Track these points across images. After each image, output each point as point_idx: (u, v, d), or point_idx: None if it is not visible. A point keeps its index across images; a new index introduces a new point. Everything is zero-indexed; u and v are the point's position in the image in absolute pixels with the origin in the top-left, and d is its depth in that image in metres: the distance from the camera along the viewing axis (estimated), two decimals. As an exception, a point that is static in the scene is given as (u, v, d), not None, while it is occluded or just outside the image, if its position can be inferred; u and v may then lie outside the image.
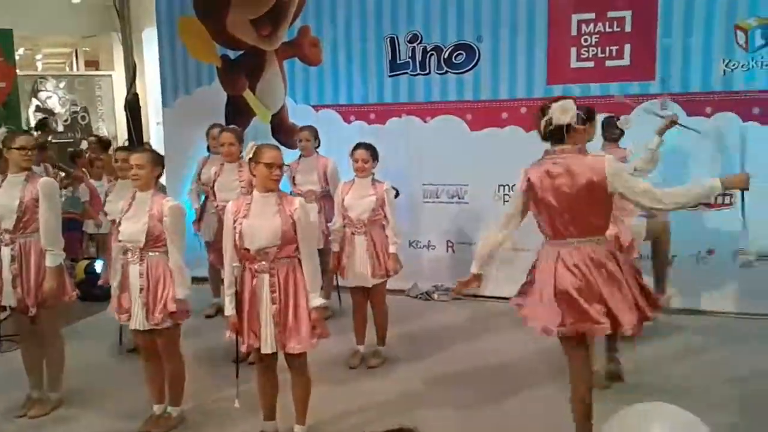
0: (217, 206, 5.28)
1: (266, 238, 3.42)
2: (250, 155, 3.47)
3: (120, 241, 3.82)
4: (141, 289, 3.73)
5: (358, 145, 4.81)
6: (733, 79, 5.58)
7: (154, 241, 3.72)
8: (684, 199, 3.06)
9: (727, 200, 5.67)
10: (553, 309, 3.11)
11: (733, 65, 5.55)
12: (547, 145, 3.20)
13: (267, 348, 3.50)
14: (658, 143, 4.74)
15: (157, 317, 3.73)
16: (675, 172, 5.49)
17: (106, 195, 5.10)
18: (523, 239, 6.03)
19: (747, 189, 3.11)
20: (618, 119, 4.99)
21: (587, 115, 3.43)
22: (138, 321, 3.78)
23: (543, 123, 3.13)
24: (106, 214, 5.06)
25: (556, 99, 3.19)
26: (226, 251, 3.55)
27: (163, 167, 3.95)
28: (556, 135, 3.12)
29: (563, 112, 3.07)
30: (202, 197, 6.03)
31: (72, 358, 4.54)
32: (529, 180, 3.18)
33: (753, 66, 5.51)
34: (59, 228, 4.07)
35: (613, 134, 5.02)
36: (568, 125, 3.07)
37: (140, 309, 3.75)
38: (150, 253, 3.74)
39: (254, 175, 3.53)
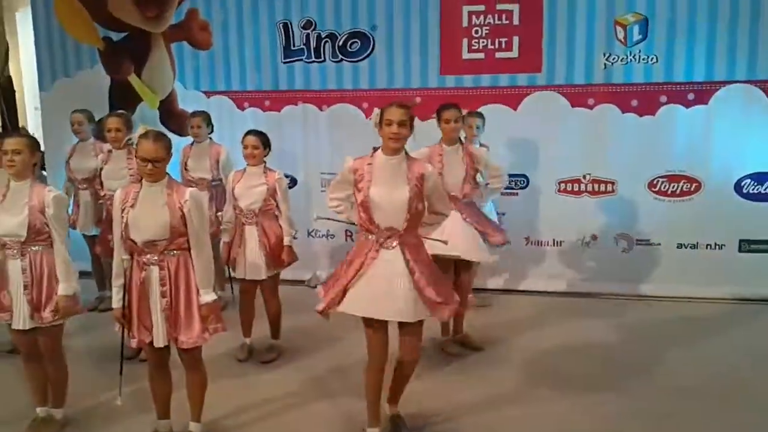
0: (104, 195, 5.02)
1: (153, 231, 3.27)
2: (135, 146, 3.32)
3: None
4: (25, 287, 3.49)
5: (249, 132, 4.67)
6: (613, 73, 5.87)
7: (36, 234, 3.48)
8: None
9: (609, 188, 6.01)
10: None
11: (613, 59, 5.85)
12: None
13: (159, 342, 3.36)
14: None
15: (46, 315, 3.51)
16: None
17: None
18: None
19: None
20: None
21: None
22: (21, 320, 3.53)
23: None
24: None
25: None
26: (115, 242, 3.39)
27: (41, 154, 3.69)
28: None
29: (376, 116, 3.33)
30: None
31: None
32: None
33: (631, 60, 5.82)
34: None
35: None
36: None
37: (24, 307, 3.51)
38: (32, 247, 3.51)
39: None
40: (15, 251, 3.50)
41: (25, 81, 9.28)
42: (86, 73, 6.87)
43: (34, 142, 3.62)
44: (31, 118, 9.40)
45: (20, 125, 8.14)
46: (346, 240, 6.57)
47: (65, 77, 6.96)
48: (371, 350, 3.46)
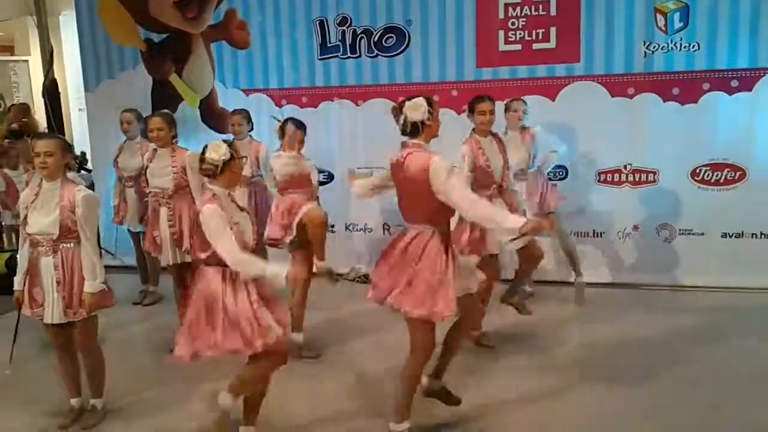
0: (150, 192, 5.14)
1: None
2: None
3: (29, 233, 3.64)
4: (57, 283, 3.60)
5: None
6: (654, 61, 5.78)
7: (67, 232, 3.59)
8: (485, 213, 3.25)
9: (651, 178, 5.93)
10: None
11: (654, 47, 5.76)
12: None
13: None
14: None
15: (78, 310, 3.62)
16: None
17: (26, 184, 4.90)
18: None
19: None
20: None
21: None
22: (54, 315, 3.64)
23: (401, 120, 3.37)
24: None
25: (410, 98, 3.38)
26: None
27: (73, 155, 3.81)
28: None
29: (415, 110, 3.30)
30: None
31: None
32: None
33: (672, 48, 5.73)
34: None
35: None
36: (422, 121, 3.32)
37: (57, 303, 3.62)
38: (64, 245, 3.61)
39: None
40: (47, 248, 3.60)
41: (68, 83, 9.55)
42: (129, 74, 7.04)
43: (65, 144, 3.72)
44: (75, 120, 9.68)
45: (65, 127, 8.35)
46: (383, 233, 6.61)
47: (109, 78, 7.14)
48: (430, 345, 3.44)
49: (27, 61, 10.40)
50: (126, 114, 5.91)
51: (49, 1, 8.38)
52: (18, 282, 3.72)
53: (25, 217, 3.64)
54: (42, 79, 8.37)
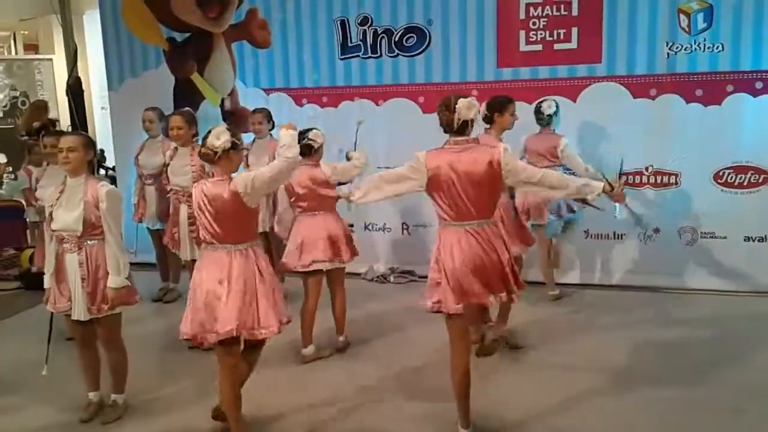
0: (170, 190, 5.20)
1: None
2: None
3: (54, 230, 3.67)
4: (83, 279, 3.64)
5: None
6: (677, 62, 5.73)
7: (91, 228, 3.62)
8: (558, 182, 3.40)
9: (673, 180, 5.88)
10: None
11: (677, 48, 5.70)
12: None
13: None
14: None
15: (102, 307, 3.66)
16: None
17: (37, 181, 4.96)
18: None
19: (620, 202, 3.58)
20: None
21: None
22: (79, 311, 3.68)
23: (455, 118, 3.37)
24: (37, 200, 4.95)
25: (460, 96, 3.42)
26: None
27: (95, 152, 3.86)
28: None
29: (469, 109, 3.35)
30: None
31: (16, 348, 4.40)
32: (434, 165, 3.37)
33: (695, 49, 5.67)
34: None
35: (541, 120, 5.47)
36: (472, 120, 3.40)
37: (82, 299, 3.65)
38: (88, 242, 3.64)
39: None
40: (72, 245, 3.64)
41: (91, 82, 9.64)
42: (152, 73, 7.11)
43: (88, 141, 3.77)
44: (98, 119, 9.78)
45: (88, 125, 8.44)
46: (402, 233, 6.61)
47: (132, 77, 7.20)
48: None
49: (51, 59, 10.51)
50: (148, 113, 5.97)
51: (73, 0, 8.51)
52: (47, 281, 3.77)
53: (50, 214, 3.68)
54: (66, 77, 8.49)
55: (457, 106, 3.34)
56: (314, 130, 4.52)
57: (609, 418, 3.79)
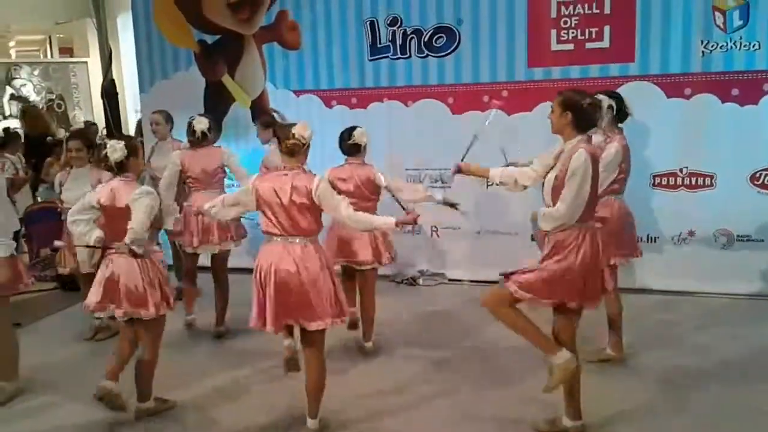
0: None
1: None
2: None
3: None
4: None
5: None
6: (712, 61, 5.61)
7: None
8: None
9: (708, 182, 5.76)
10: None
11: (712, 46, 5.58)
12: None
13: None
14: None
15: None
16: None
17: (61, 185, 5.03)
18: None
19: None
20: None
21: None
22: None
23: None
24: (62, 203, 5.01)
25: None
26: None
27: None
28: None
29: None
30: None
31: (52, 348, 4.45)
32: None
33: (731, 47, 5.54)
34: None
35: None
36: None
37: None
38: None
39: None
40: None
41: (126, 84, 9.80)
42: (183, 75, 7.17)
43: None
44: (133, 120, 9.93)
45: (122, 128, 8.58)
46: (431, 236, 6.58)
47: (164, 79, 7.29)
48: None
49: (86, 62, 10.70)
50: (154, 115, 6.04)
51: (108, 3, 8.65)
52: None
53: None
54: (101, 80, 8.64)
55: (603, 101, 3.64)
56: (358, 129, 4.62)
57: (636, 411, 3.74)
